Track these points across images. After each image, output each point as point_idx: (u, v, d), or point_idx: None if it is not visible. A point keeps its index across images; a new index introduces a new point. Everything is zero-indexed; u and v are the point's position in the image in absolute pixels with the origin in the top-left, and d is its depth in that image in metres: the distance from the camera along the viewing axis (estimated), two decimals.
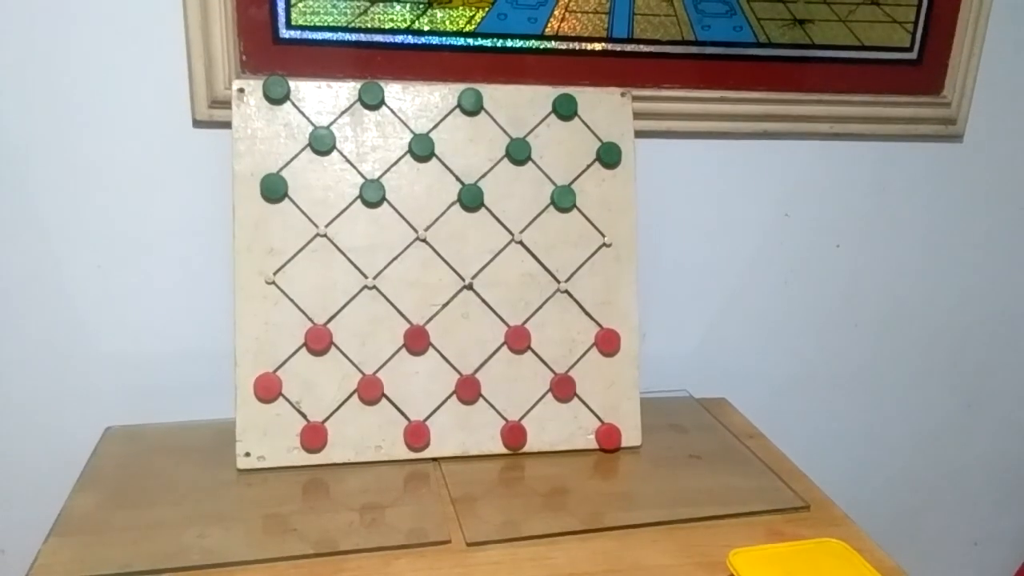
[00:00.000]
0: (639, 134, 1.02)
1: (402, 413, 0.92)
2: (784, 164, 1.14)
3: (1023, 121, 1.19)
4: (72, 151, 0.96)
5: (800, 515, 0.88)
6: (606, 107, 0.99)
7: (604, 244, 0.98)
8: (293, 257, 0.91)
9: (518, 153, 0.95)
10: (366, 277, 0.92)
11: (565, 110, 0.97)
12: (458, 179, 0.94)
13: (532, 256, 0.96)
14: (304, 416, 0.91)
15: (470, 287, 0.94)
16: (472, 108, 0.95)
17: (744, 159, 1.12)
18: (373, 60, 0.99)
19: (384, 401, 0.92)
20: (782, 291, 1.20)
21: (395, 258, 0.93)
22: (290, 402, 0.91)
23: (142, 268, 1.01)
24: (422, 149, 0.93)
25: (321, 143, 0.91)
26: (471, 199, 0.94)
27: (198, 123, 0.97)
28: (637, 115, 1.02)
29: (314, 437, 0.90)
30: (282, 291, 0.91)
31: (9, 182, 0.96)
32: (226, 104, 0.95)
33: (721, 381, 1.19)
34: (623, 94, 0.99)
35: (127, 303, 1.02)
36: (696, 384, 1.16)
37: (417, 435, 0.92)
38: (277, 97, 0.91)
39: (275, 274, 0.90)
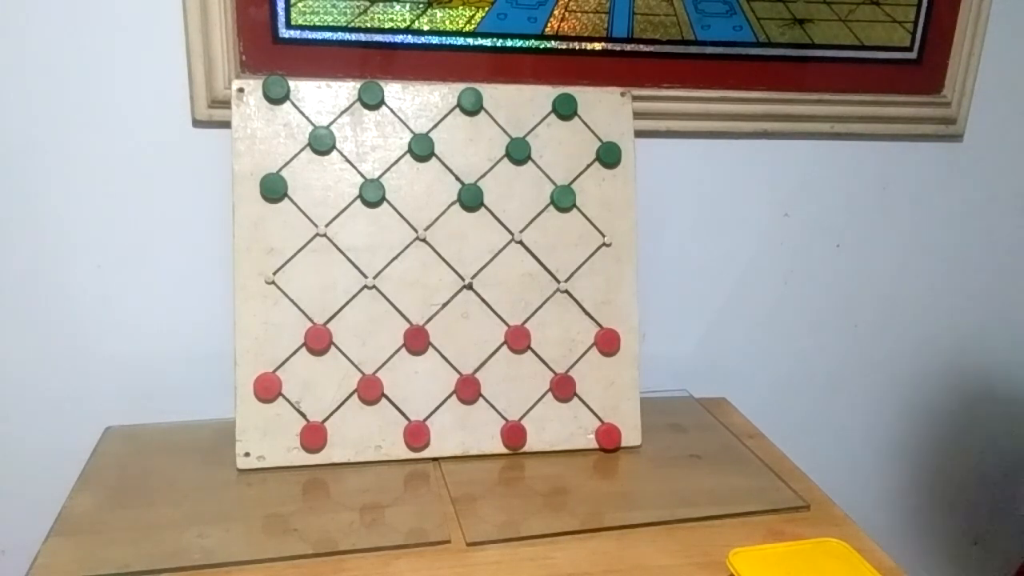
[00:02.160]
0: (639, 134, 1.02)
1: (402, 413, 0.92)
2: (784, 164, 1.14)
3: (1023, 121, 1.19)
4: (72, 151, 0.96)
5: (800, 515, 0.88)
6: (606, 107, 0.99)
7: (604, 244, 0.98)
8: (293, 257, 0.91)
9: (518, 153, 0.95)
10: (366, 277, 0.92)
11: (565, 110, 0.97)
12: (458, 179, 0.94)
13: (532, 256, 0.95)
14: (304, 416, 0.91)
15: (470, 287, 0.94)
16: (472, 108, 0.95)
17: (744, 159, 1.12)
18: (373, 60, 0.99)
19: (384, 401, 0.92)
20: (782, 291, 1.20)
21: (395, 258, 0.93)
22: (290, 402, 0.91)
23: (142, 268, 1.01)
24: (422, 149, 0.93)
25: (321, 143, 0.91)
26: (471, 199, 0.94)
27: (198, 123, 0.97)
28: (637, 115, 1.02)
29: (314, 437, 0.90)
30: (282, 291, 0.90)
31: (9, 182, 0.96)
32: (226, 104, 0.94)
33: (721, 381, 1.18)
34: (623, 94, 0.99)
35: (127, 303, 1.02)
36: (696, 384, 1.16)
37: (417, 435, 0.92)
38: (277, 97, 0.91)
39: (275, 274, 0.90)
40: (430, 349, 0.93)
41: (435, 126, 0.94)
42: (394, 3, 0.98)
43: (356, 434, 0.92)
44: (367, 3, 0.97)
